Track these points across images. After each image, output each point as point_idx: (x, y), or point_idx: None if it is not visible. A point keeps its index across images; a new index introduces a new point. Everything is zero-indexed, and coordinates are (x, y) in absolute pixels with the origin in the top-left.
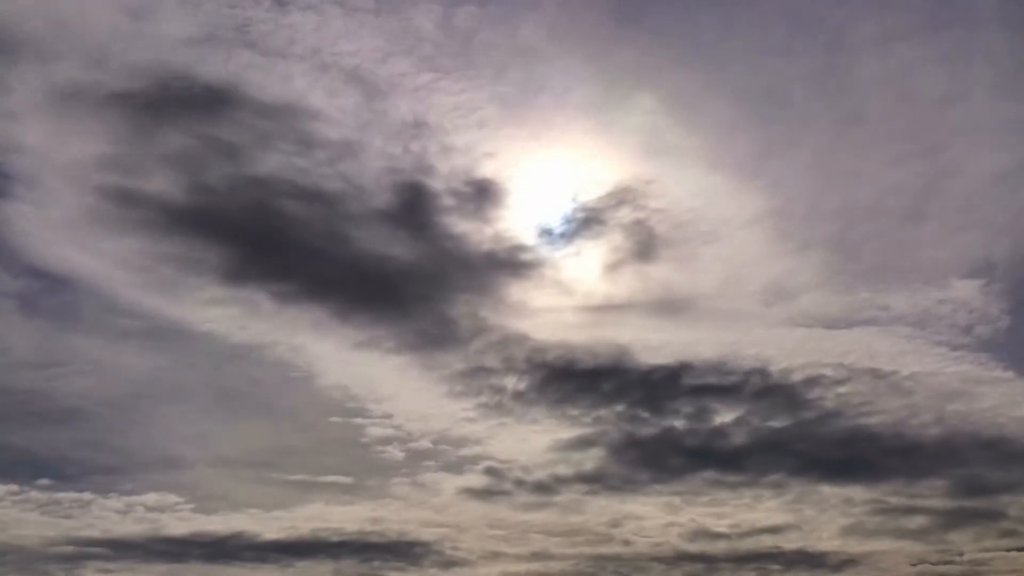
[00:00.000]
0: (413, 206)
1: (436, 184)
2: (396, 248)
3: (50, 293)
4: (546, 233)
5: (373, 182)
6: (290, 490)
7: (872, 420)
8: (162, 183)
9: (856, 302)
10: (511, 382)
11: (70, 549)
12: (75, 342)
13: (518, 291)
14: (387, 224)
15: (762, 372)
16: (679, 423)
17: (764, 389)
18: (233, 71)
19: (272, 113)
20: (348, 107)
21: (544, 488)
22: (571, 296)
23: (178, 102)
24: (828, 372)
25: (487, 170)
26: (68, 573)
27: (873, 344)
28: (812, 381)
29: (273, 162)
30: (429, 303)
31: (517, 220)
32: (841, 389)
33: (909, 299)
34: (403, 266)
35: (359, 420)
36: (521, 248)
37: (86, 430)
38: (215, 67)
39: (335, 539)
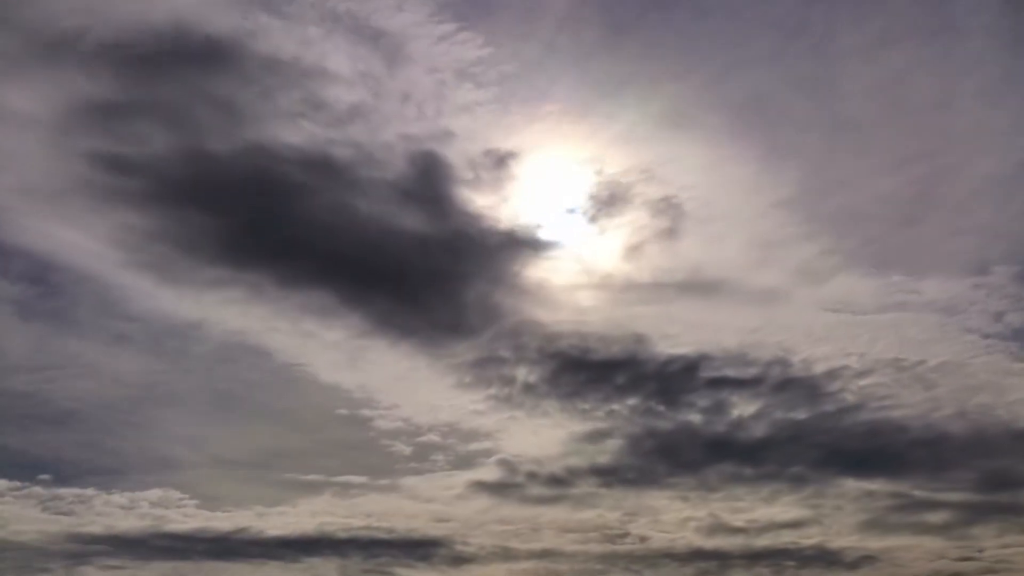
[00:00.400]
0: (427, 178)
1: (452, 154)
2: (407, 224)
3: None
4: (568, 211)
5: (384, 149)
6: (295, 486)
7: (895, 413)
8: (155, 147)
9: (887, 286)
10: (523, 373)
11: (71, 546)
12: (71, 344)
13: (535, 273)
14: (398, 197)
15: (783, 362)
16: (696, 416)
17: (785, 381)
18: (234, 22)
19: (276, 69)
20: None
21: (556, 483)
22: (590, 278)
23: (173, 55)
24: (852, 363)
25: (506, 139)
26: (68, 571)
27: (902, 331)
28: (834, 373)
29: (276, 125)
30: (440, 287)
31: (537, 195)
32: (864, 381)
33: (942, 284)
34: (413, 244)
35: (366, 413)
36: (540, 227)
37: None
38: (214, 17)
39: (342, 535)
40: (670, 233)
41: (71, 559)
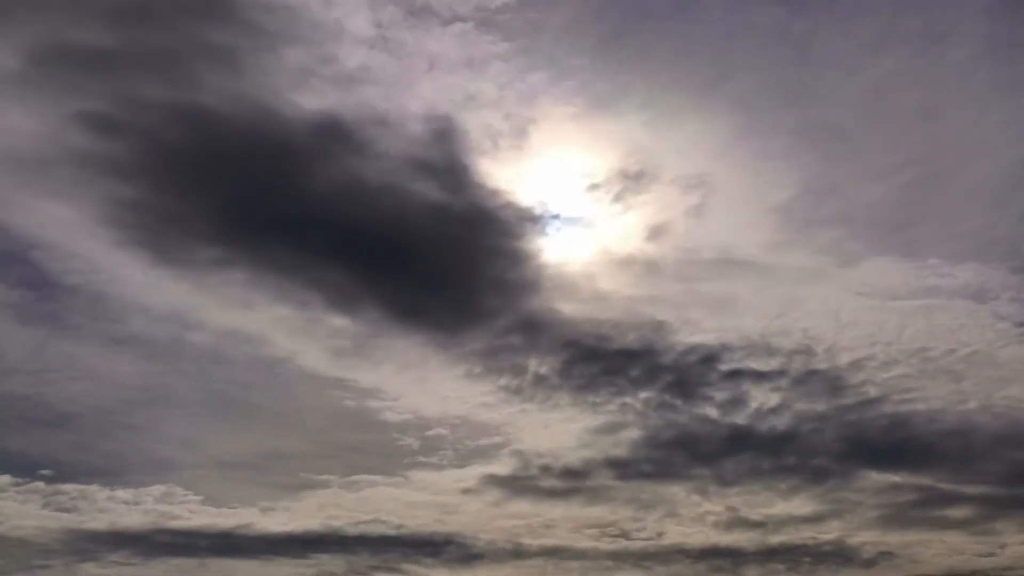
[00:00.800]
0: (442, 148)
1: (470, 122)
2: (420, 197)
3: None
4: (593, 187)
5: (396, 111)
6: (300, 482)
7: (920, 406)
8: (146, 104)
9: (921, 270)
10: (537, 364)
11: (72, 543)
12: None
13: (553, 254)
14: (410, 168)
15: (807, 351)
16: (714, 408)
17: (808, 372)
18: None
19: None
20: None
21: (569, 478)
22: (611, 259)
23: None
24: (878, 352)
25: (530, 107)
26: (69, 567)
27: (932, 318)
28: (859, 363)
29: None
30: (452, 267)
31: (560, 169)
32: (889, 373)
33: (977, 269)
34: (426, 219)
35: (373, 405)
36: (561, 204)
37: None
38: None
39: (349, 531)
40: (698, 211)
41: (72, 555)
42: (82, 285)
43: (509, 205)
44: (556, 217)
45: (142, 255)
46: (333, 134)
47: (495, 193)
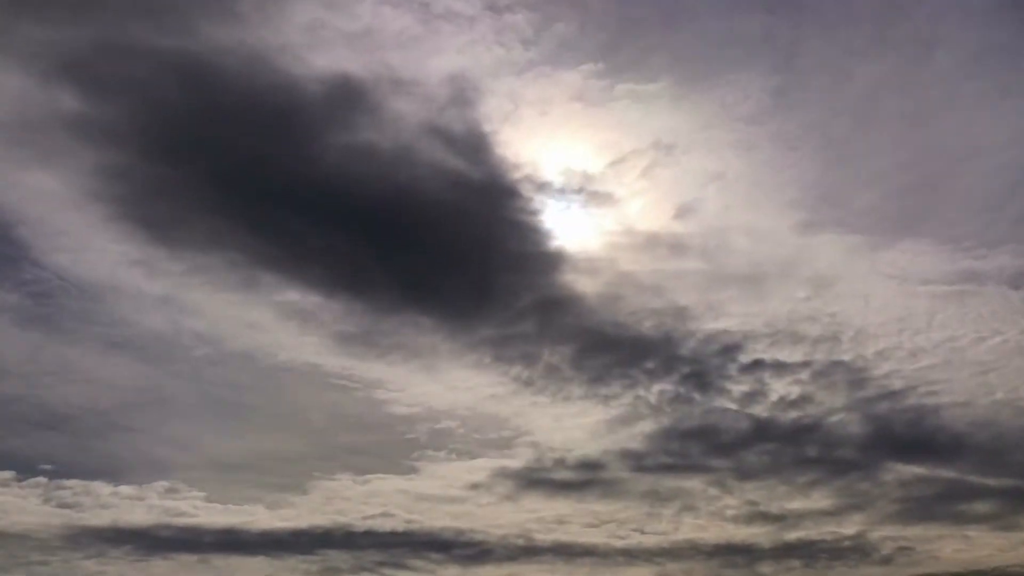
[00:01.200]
0: (461, 115)
1: (494, 89)
2: (433, 167)
3: None
4: (617, 162)
5: (413, 72)
6: (305, 480)
7: (946, 399)
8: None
9: (955, 252)
10: (549, 353)
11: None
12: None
13: (574, 230)
14: (426, 134)
15: (833, 340)
16: (733, 400)
17: (832, 364)
18: None
19: None
20: None
21: (582, 472)
22: (634, 239)
23: None
24: (904, 341)
25: (553, 77)
26: (68, 564)
27: (965, 304)
28: (885, 354)
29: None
30: (467, 244)
31: (585, 141)
32: (916, 364)
33: (1016, 250)
34: (440, 190)
35: (380, 397)
36: (589, 178)
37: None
38: None
39: (357, 527)
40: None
41: (72, 551)
42: (69, 268)
43: (529, 178)
44: (579, 191)
45: (133, 232)
46: (345, 95)
47: (515, 165)
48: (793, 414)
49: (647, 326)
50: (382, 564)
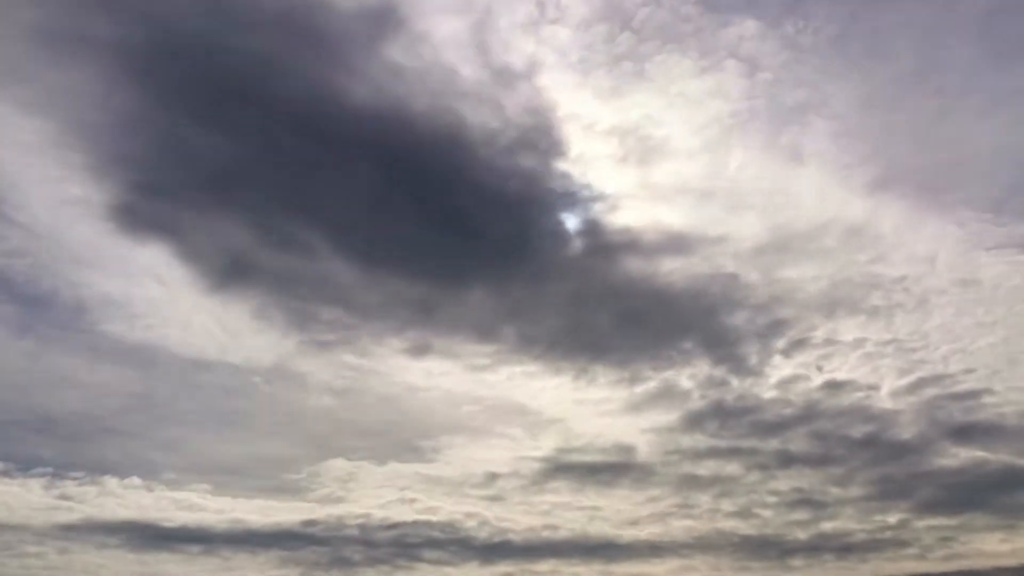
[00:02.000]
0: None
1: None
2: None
3: None
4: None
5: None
6: (309, 479)
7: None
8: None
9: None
10: (577, 332)
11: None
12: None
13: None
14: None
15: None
16: (773, 387)
17: (886, 342)
18: None
19: None
20: None
21: (611, 457)
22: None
23: None
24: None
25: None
26: (63, 554)
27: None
28: (946, 327)
29: None
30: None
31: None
32: (978, 343)
33: None
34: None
35: (386, 392)
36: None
37: None
38: None
39: (372, 523)
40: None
41: (65, 543)
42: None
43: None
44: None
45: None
46: (381, 22)
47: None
48: (839, 397)
49: (693, 292)
50: (397, 556)
